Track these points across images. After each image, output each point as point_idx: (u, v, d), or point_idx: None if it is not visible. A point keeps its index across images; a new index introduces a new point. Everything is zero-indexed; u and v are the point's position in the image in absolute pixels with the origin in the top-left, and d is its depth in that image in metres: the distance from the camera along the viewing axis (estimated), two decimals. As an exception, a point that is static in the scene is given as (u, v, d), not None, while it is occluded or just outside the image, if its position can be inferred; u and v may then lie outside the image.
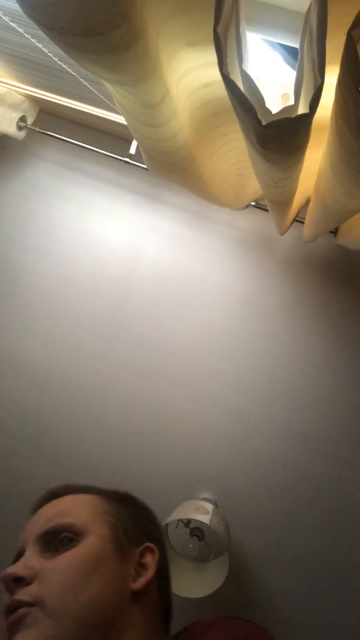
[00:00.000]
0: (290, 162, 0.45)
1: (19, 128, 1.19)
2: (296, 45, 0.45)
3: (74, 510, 0.52)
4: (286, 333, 1.17)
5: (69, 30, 0.31)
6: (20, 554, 0.49)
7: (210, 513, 0.99)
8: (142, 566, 0.51)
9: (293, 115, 0.35)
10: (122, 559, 0.49)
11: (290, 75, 0.59)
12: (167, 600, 0.53)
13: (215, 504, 1.12)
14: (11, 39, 0.75)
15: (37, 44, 0.72)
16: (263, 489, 1.13)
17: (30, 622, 0.41)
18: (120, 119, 1.04)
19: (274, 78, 0.60)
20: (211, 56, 0.40)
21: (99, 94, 0.90)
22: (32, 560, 0.46)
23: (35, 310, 1.25)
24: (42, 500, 0.56)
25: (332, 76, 0.38)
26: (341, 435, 1.12)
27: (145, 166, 1.08)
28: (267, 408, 1.15)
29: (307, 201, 0.92)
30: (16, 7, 0.58)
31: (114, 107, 0.91)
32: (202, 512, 0.98)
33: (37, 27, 0.34)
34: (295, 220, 1.01)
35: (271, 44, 0.55)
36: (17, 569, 0.45)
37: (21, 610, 0.42)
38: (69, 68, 0.79)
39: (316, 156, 0.62)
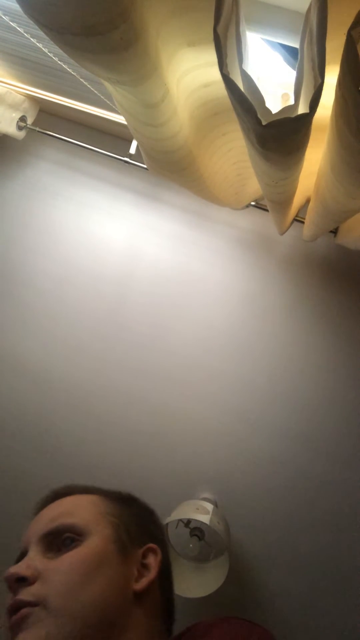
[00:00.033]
0: (290, 162, 0.45)
1: (19, 128, 1.19)
2: (296, 45, 0.45)
3: (76, 510, 0.52)
4: (286, 333, 1.17)
5: (69, 30, 0.31)
6: (23, 554, 0.49)
7: (210, 513, 0.99)
8: (145, 567, 0.51)
9: (293, 115, 0.35)
10: (124, 559, 0.49)
11: (290, 75, 0.59)
12: (169, 601, 0.53)
13: (215, 504, 1.12)
14: (11, 39, 0.75)
15: (37, 44, 0.72)
16: (263, 489, 1.13)
17: (33, 622, 0.41)
18: (120, 118, 1.04)
19: (274, 78, 0.60)
20: (211, 56, 0.40)
21: (99, 94, 0.90)
22: (35, 560, 0.47)
23: (35, 310, 1.25)
24: (46, 500, 0.56)
25: (332, 76, 0.38)
26: (341, 435, 1.12)
27: (145, 166, 1.08)
28: (267, 408, 1.15)
29: (307, 201, 0.92)
30: (16, 7, 0.58)
31: (114, 107, 0.91)
32: (202, 512, 0.98)
33: (37, 27, 0.34)
34: (295, 220, 1.01)
35: (271, 43, 0.55)
36: (20, 569, 0.45)
37: (24, 610, 0.42)
38: (69, 68, 0.79)
39: (316, 156, 0.62)
